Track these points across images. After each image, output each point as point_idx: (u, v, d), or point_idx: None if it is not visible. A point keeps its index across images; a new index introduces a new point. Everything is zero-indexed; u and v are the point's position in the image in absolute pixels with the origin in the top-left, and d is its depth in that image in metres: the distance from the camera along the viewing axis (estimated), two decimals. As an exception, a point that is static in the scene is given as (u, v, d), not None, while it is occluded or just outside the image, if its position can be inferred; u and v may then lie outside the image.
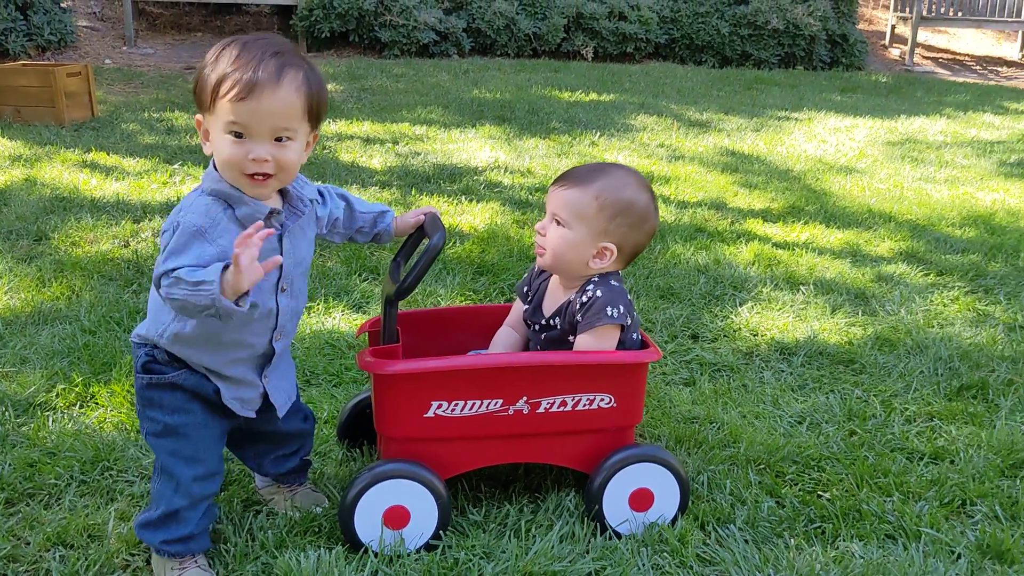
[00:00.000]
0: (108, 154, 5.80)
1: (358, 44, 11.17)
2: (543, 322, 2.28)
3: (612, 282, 2.21)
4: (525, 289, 2.40)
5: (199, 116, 1.85)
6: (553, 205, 2.22)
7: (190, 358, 1.92)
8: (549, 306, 2.30)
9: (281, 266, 1.91)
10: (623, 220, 2.17)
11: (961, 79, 12.58)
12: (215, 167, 1.85)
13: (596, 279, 2.21)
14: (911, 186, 5.98)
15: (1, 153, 5.73)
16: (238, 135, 1.78)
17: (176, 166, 5.56)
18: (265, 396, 2.04)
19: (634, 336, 2.24)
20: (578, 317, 2.19)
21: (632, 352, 2.20)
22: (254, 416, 2.04)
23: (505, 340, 2.41)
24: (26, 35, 9.18)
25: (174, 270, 1.72)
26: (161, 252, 1.80)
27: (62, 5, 9.92)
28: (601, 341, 2.16)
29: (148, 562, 2.05)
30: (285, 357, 2.09)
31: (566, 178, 2.23)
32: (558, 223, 2.20)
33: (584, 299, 2.18)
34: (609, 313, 2.14)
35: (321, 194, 2.10)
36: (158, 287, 1.77)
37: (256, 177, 1.81)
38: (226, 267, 1.70)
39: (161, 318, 1.90)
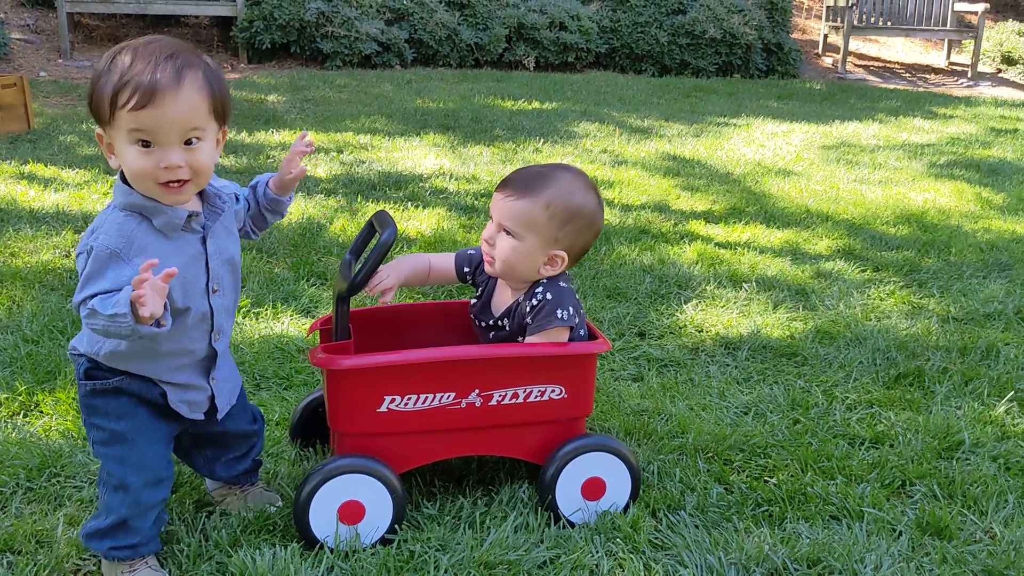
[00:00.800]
0: (46, 166, 5.70)
1: (299, 55, 11.12)
2: (491, 322, 2.30)
3: (561, 283, 2.23)
4: (465, 269, 2.40)
5: (99, 130, 1.77)
6: (500, 215, 2.20)
7: (132, 370, 1.89)
8: (498, 305, 2.31)
9: (208, 267, 1.89)
10: (573, 226, 2.18)
11: (892, 86, 12.93)
12: (123, 180, 1.79)
13: (544, 281, 2.22)
14: (847, 187, 6.13)
15: (-67, 166, 5.59)
16: (145, 144, 1.72)
17: (116, 177, 5.48)
18: (212, 398, 2.02)
19: (581, 332, 2.27)
20: (528, 320, 2.21)
21: (582, 344, 2.23)
22: (202, 418, 2.02)
23: (413, 260, 2.41)
24: (-43, 47, 8.98)
25: (91, 297, 1.69)
26: (79, 276, 1.75)
27: (-6, 17, 9.72)
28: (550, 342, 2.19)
29: (99, 567, 2.03)
30: (227, 356, 2.06)
31: (511, 185, 2.20)
32: (507, 232, 2.20)
33: (534, 302, 2.20)
34: (559, 316, 2.17)
35: (236, 196, 2.07)
36: (78, 313, 1.74)
37: (171, 185, 1.76)
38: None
39: (95, 336, 1.86)
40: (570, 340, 2.23)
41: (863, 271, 4.30)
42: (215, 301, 1.93)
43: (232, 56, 11.36)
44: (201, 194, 1.90)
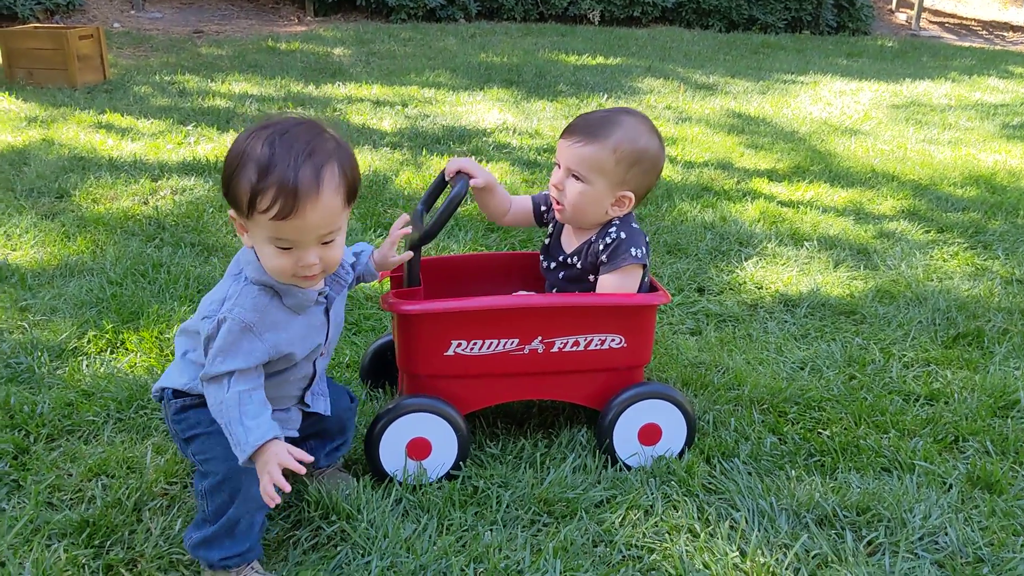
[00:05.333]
0: (122, 115, 5.89)
1: (365, 8, 11.19)
2: (561, 259, 2.38)
3: (633, 224, 2.31)
4: (543, 208, 2.48)
5: (233, 213, 1.74)
6: (568, 160, 2.27)
7: None
8: (568, 244, 2.39)
9: (328, 335, 1.93)
10: (639, 168, 2.25)
11: (967, 43, 12.57)
12: (255, 256, 1.78)
13: (618, 221, 2.30)
14: (915, 147, 6.05)
15: (17, 114, 5.82)
16: (284, 247, 1.72)
17: (190, 127, 5.65)
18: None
19: (644, 280, 2.34)
20: (603, 258, 2.28)
21: (642, 295, 2.30)
22: (297, 435, 2.01)
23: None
24: (35, -1, 9.22)
25: (229, 376, 1.74)
26: (207, 345, 1.76)
27: (70, -31, 9.95)
28: (625, 280, 2.26)
29: (184, 492, 2.17)
30: (321, 383, 2.06)
31: (578, 131, 2.27)
32: (576, 178, 2.28)
33: (607, 240, 2.28)
34: (634, 253, 2.25)
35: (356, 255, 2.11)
36: (203, 384, 1.77)
37: (307, 277, 1.78)
38: (266, 442, 1.71)
39: (190, 373, 1.88)
40: (640, 283, 2.30)
41: (927, 232, 4.28)
42: (320, 363, 1.98)
43: (299, 8, 11.48)
44: None
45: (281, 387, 1.92)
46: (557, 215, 2.37)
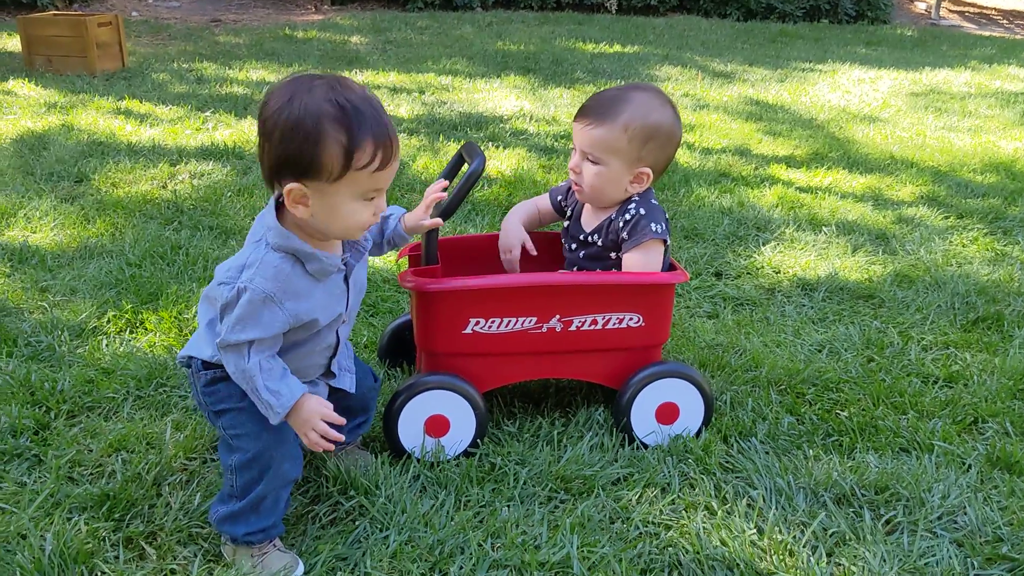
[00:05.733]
0: (141, 102, 5.91)
1: (381, -3, 11.20)
2: (581, 238, 2.38)
3: (652, 200, 2.31)
4: (559, 198, 2.49)
5: (295, 185, 1.68)
6: (582, 143, 2.28)
7: None
8: (588, 223, 2.39)
9: (348, 302, 1.92)
10: (654, 143, 2.25)
11: (987, 32, 12.46)
12: (277, 221, 1.76)
13: (637, 198, 2.30)
14: (934, 134, 6.01)
15: (36, 100, 5.85)
16: (370, 199, 1.74)
17: (208, 113, 5.67)
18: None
19: (666, 256, 2.34)
20: (623, 235, 2.28)
21: (660, 273, 2.29)
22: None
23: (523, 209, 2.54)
24: (55, -13, 9.27)
25: (249, 345, 1.73)
26: (224, 312, 1.75)
27: (89, -42, 9.99)
28: (648, 256, 2.26)
29: (203, 467, 2.19)
30: (346, 353, 2.07)
31: (589, 113, 2.27)
32: (591, 161, 2.27)
33: (627, 217, 2.28)
34: (654, 229, 2.24)
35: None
36: (219, 350, 1.77)
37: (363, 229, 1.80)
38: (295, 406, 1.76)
39: (215, 345, 1.84)
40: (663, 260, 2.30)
41: (946, 218, 4.25)
42: (342, 330, 1.97)
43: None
44: None
45: (307, 358, 1.92)
46: (577, 196, 2.37)
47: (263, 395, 1.75)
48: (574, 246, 2.41)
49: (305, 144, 1.64)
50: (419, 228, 2.09)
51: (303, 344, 1.88)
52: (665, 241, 2.28)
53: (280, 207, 1.79)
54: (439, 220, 2.09)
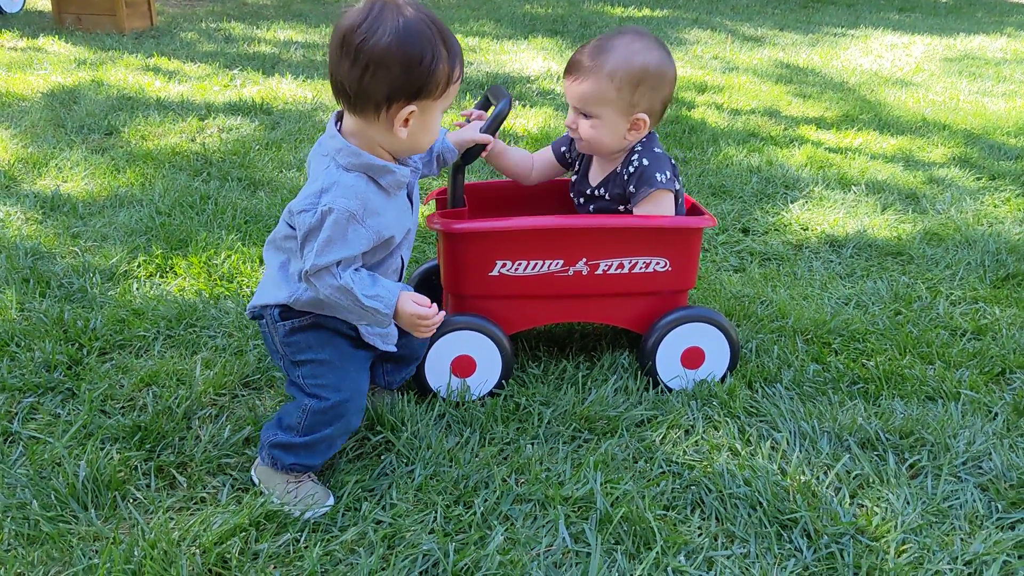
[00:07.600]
0: (169, 59, 5.94)
1: (409, -40, 11.11)
2: (589, 192, 2.37)
3: (655, 149, 2.27)
4: (563, 149, 2.47)
5: (411, 108, 1.73)
6: (573, 99, 2.24)
7: (327, 313, 1.91)
8: (594, 177, 2.38)
9: (414, 215, 1.96)
10: (645, 87, 2.19)
11: (1025, 1, 12.24)
12: (345, 140, 1.79)
13: (639, 148, 2.27)
14: (967, 98, 5.92)
15: (67, 57, 5.89)
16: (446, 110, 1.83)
17: (236, 71, 5.68)
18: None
19: (679, 203, 2.32)
20: (630, 188, 2.27)
21: (688, 218, 2.28)
22: (395, 350, 2.05)
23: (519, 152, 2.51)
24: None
25: (337, 264, 1.75)
26: (308, 238, 1.75)
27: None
28: (658, 206, 2.24)
29: (233, 401, 2.21)
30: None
31: (573, 68, 2.23)
32: (584, 115, 2.24)
33: (631, 169, 2.25)
34: (659, 179, 2.22)
35: None
36: (308, 279, 1.77)
37: None
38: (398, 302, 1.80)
39: (290, 286, 1.88)
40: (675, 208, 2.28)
41: (978, 179, 4.20)
42: (405, 253, 1.99)
43: None
44: None
45: None
46: (578, 147, 2.34)
47: (366, 304, 1.77)
48: (582, 200, 2.40)
49: (420, 66, 1.70)
50: (466, 143, 2.16)
51: (376, 268, 1.90)
52: (674, 192, 2.26)
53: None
54: (489, 136, 2.14)
